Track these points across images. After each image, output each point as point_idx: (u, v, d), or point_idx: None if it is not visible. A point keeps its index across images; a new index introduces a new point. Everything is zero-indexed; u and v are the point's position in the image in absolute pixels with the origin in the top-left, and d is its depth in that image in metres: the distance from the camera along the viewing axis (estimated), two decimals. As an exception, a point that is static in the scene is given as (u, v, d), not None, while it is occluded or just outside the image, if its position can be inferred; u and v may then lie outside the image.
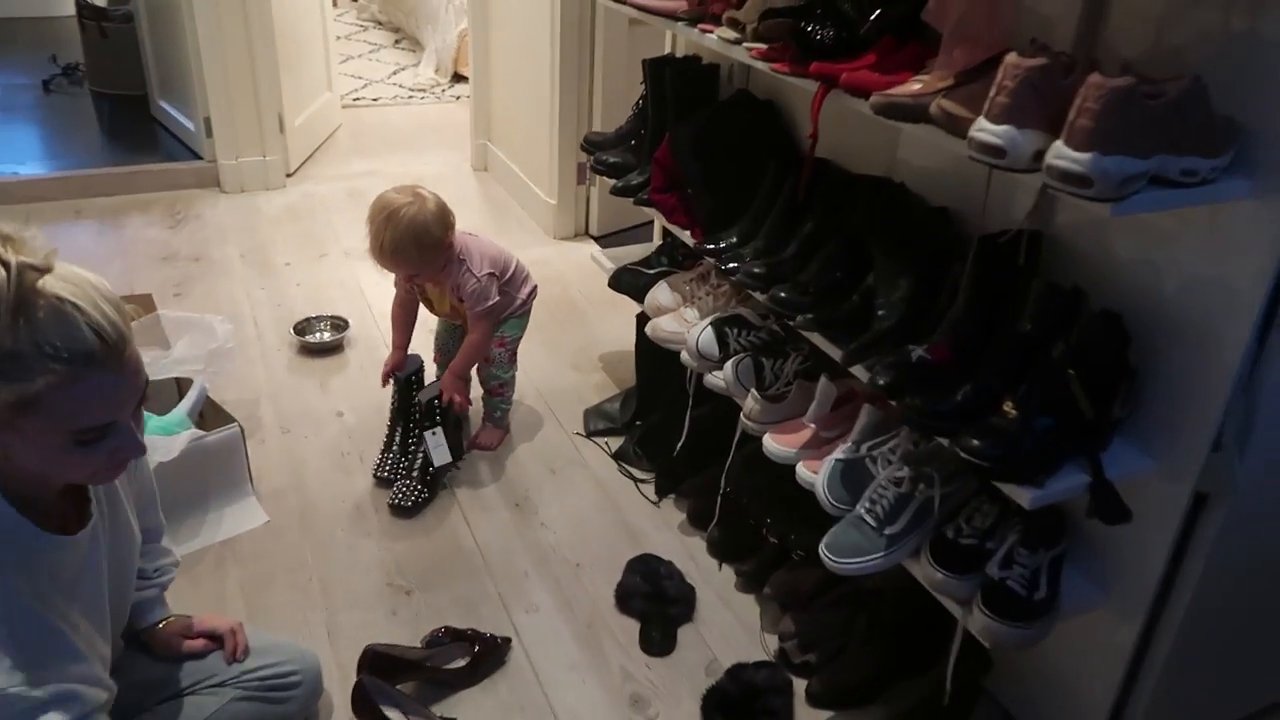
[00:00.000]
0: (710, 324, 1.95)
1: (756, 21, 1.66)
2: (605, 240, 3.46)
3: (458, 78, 5.16)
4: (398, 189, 2.11)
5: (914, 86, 1.32)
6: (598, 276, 3.12)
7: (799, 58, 1.55)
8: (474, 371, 2.37)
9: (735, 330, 1.94)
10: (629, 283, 2.26)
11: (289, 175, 3.89)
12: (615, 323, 2.90)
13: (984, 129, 1.14)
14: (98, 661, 1.18)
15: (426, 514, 2.14)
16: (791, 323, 1.65)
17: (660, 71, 2.18)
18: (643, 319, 2.24)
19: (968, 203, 1.58)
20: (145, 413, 2.12)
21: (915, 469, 1.50)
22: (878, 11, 1.50)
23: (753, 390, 1.81)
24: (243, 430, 2.09)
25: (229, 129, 3.65)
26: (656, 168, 2.13)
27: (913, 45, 1.46)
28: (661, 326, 2.08)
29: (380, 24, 6.34)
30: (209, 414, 2.17)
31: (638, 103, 2.39)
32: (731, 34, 1.76)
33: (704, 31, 1.84)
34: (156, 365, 2.22)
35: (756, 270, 1.74)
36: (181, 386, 2.19)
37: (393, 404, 2.28)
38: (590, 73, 3.26)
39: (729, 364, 1.86)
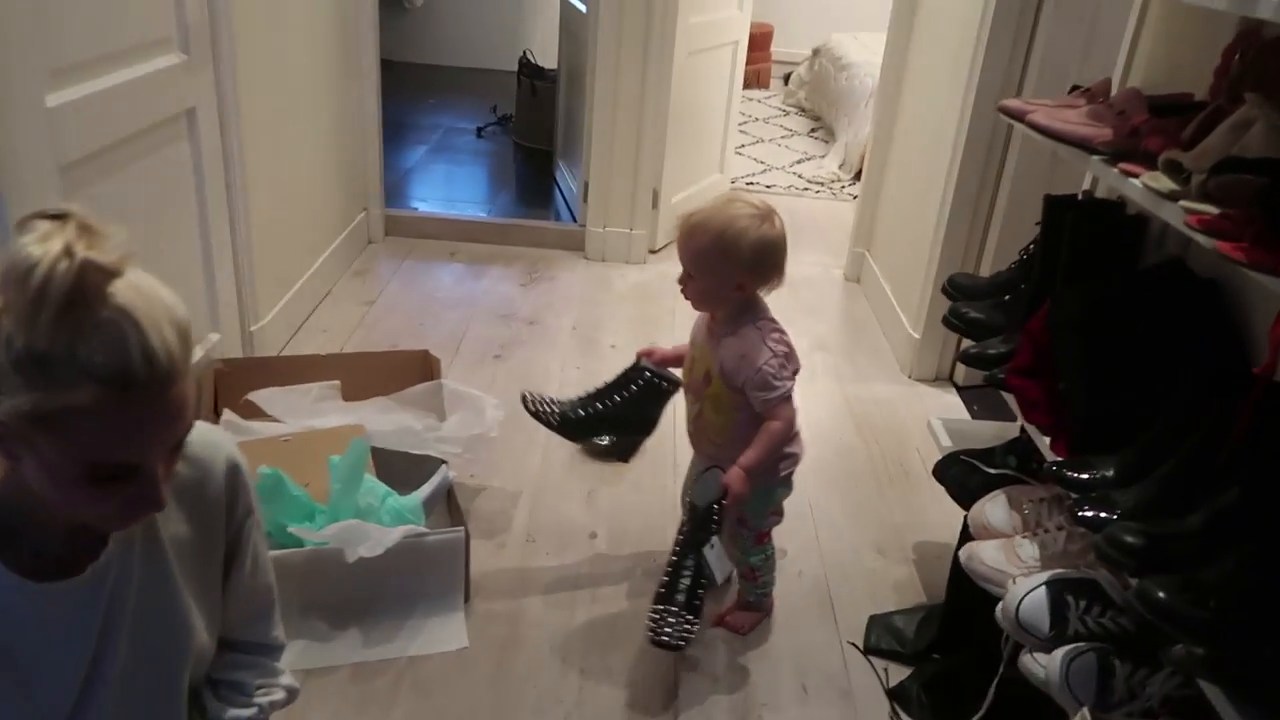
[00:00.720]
0: (1047, 582, 1.35)
1: (1207, 174, 1.09)
2: (970, 394, 2.86)
3: (861, 176, 4.78)
4: (754, 200, 1.69)
5: None
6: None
7: (1267, 240, 0.96)
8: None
9: (1082, 602, 1.33)
10: (957, 478, 1.71)
11: (653, 252, 3.75)
12: (950, 506, 2.32)
13: None
14: None
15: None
16: (1171, 651, 1.04)
17: (1059, 214, 1.62)
18: (965, 532, 1.67)
19: None
20: (384, 488, 2.00)
21: None
22: None
23: (1085, 712, 1.19)
24: (468, 537, 1.85)
25: (602, 196, 3.59)
26: (1026, 340, 1.58)
27: None
28: (981, 556, 1.51)
29: (804, 110, 6.18)
30: (439, 513, 1.97)
31: (1027, 248, 1.84)
32: (1167, 184, 1.19)
33: (1126, 174, 1.28)
34: (420, 438, 2.07)
35: (1129, 539, 1.14)
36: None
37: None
38: (990, 202, 2.71)
39: (1060, 654, 1.26)
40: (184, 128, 2.18)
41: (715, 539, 1.69)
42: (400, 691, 1.71)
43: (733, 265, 1.62)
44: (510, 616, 1.90)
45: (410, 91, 5.84)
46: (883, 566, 2.13)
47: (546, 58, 4.84)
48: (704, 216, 1.64)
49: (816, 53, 6.11)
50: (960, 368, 2.91)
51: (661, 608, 1.66)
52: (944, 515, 2.29)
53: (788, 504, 2.22)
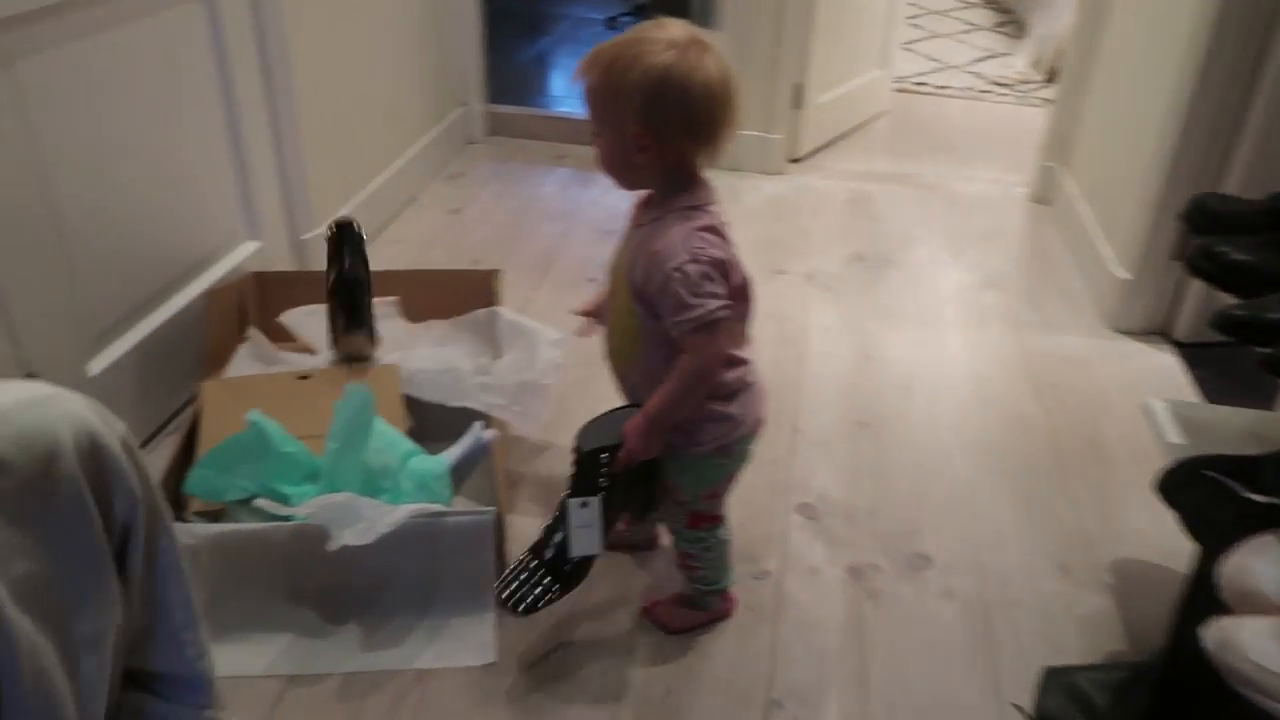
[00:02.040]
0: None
1: None
2: (1196, 355, 2.20)
3: (1057, 76, 3.99)
4: (687, 28, 1.18)
5: None
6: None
7: None
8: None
9: None
10: (1199, 507, 1.14)
11: (793, 161, 3.16)
12: (1167, 512, 1.72)
13: None
14: None
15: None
16: None
17: None
18: (1202, 585, 1.10)
19: None
20: (408, 445, 1.58)
21: None
22: None
23: None
24: (501, 521, 1.42)
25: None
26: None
27: None
28: (1243, 644, 0.95)
29: (990, 2, 5.31)
30: (480, 480, 1.54)
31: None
32: None
33: None
34: (460, 385, 1.64)
35: None
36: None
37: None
38: (1248, 97, 2.00)
39: None
40: (198, -16, 1.78)
41: (593, 500, 1.23)
42: (399, 716, 1.31)
43: (622, 109, 1.14)
44: (557, 626, 1.46)
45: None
46: (1066, 592, 1.57)
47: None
48: (603, 46, 1.17)
49: (1009, -67, 5.21)
50: (1185, 319, 2.23)
51: (524, 558, 1.29)
52: (1158, 523, 1.70)
53: (931, 490, 1.69)
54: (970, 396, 2.05)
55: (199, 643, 0.97)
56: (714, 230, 1.19)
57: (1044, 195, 2.97)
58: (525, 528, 1.63)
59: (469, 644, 1.40)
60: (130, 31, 1.63)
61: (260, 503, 1.31)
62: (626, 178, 1.23)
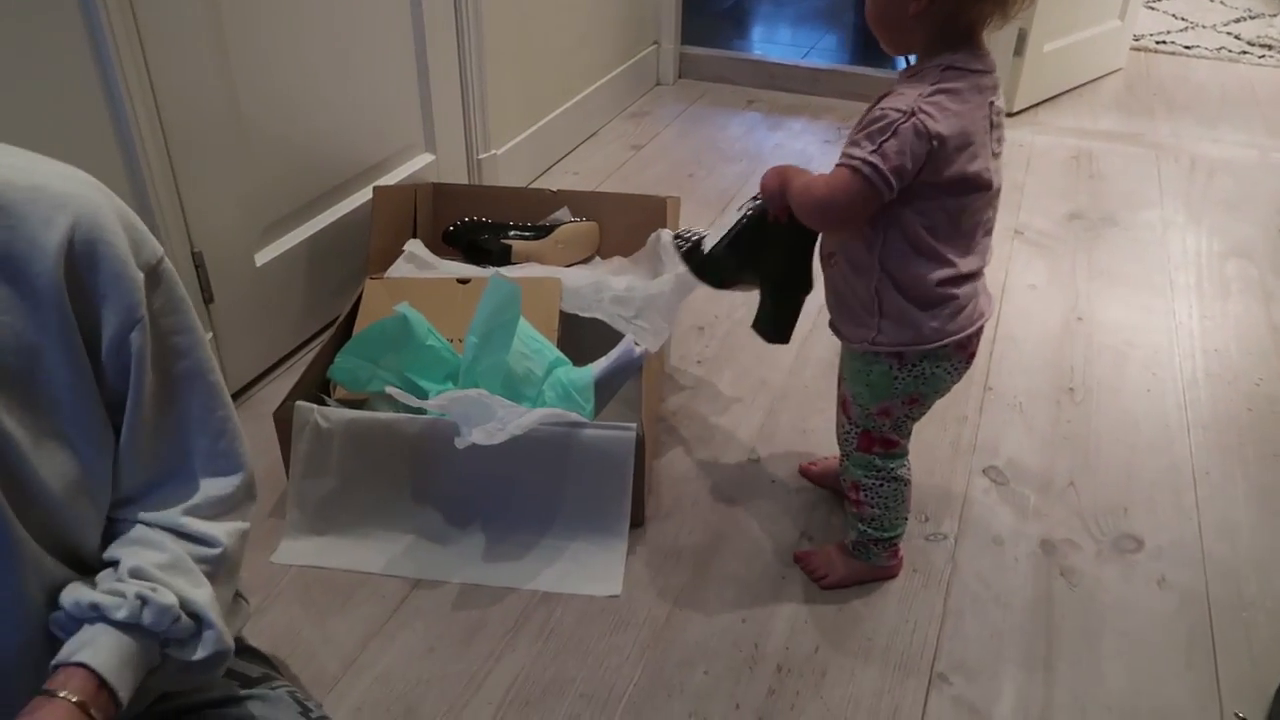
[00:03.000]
0: None
1: None
2: None
3: (1333, 39, 3.45)
4: None
5: None
6: None
7: None
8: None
9: None
10: None
11: (1011, 114, 2.86)
12: None
13: None
14: None
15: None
16: None
17: None
18: None
19: None
20: (556, 354, 1.44)
21: None
22: None
23: None
24: (641, 440, 1.29)
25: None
26: None
27: None
28: None
29: (1252, -36, 4.70)
30: (626, 405, 1.42)
31: None
32: None
33: None
34: (596, 298, 1.54)
35: None
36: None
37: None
38: None
39: None
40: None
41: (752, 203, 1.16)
42: (518, 636, 1.21)
43: None
44: (695, 562, 1.33)
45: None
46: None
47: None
48: None
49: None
50: None
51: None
52: None
53: (1146, 467, 1.46)
54: (1202, 370, 1.75)
55: (231, 497, 0.78)
56: (961, 99, 0.98)
57: (1310, 161, 2.55)
58: (672, 460, 1.50)
59: (595, 573, 1.29)
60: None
61: (392, 390, 1.24)
62: (895, 35, 1.03)
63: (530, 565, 1.29)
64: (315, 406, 1.32)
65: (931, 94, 0.97)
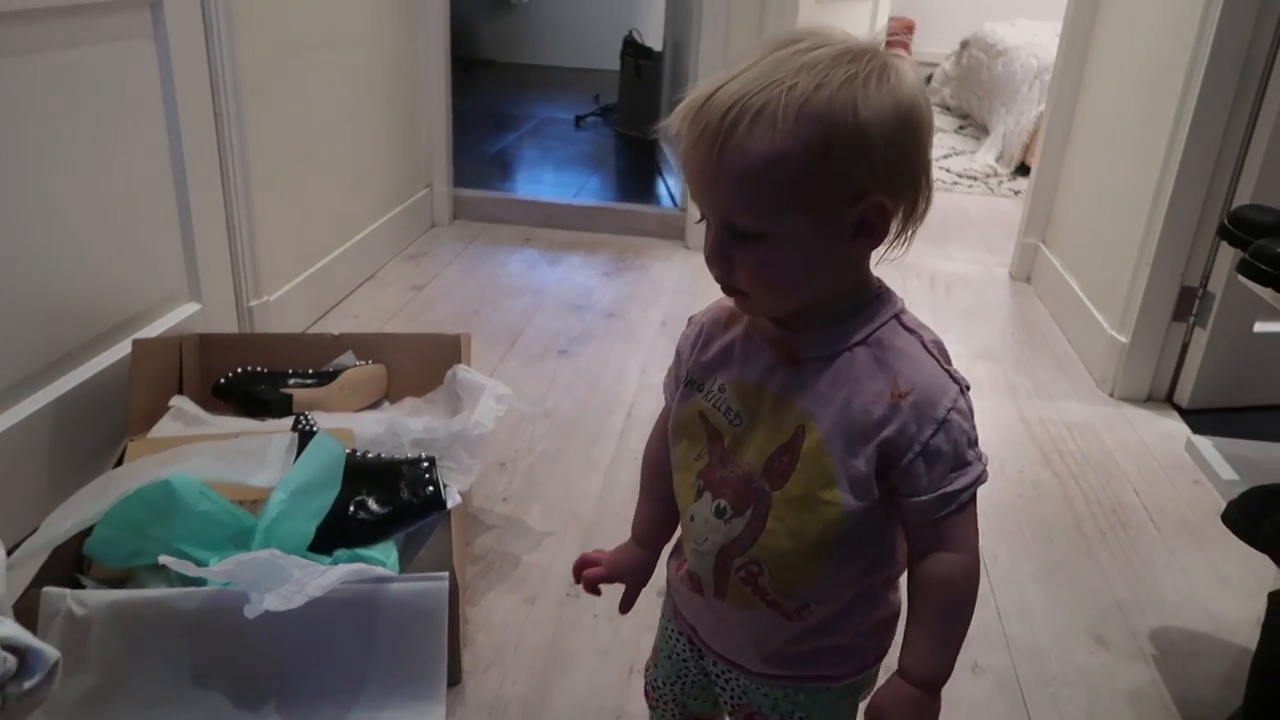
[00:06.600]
0: None
1: None
2: (1200, 419, 2.07)
3: (1022, 170, 4.02)
4: (820, 32, 0.68)
5: None
6: (1178, 476, 1.79)
7: None
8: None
9: None
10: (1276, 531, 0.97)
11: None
12: (1206, 576, 1.55)
13: None
14: None
15: None
16: None
17: None
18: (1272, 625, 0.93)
19: None
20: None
21: None
22: None
23: None
24: (455, 587, 1.21)
25: (708, 173, 2.95)
26: None
27: None
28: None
29: (949, 109, 5.42)
30: (453, 537, 1.34)
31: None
32: None
33: None
34: (397, 442, 1.47)
35: None
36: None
37: None
38: (1238, 160, 1.94)
39: None
40: (146, 20, 1.66)
41: None
42: (331, 829, 1.07)
43: (848, 172, 0.66)
44: (524, 714, 1.24)
45: (509, 88, 5.44)
46: (1106, 665, 1.37)
47: (653, 40, 4.29)
48: (753, 82, 0.65)
49: (965, 45, 5.39)
50: (1189, 383, 2.11)
51: None
52: (1192, 586, 1.53)
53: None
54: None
55: None
56: (938, 338, 0.76)
57: (1024, 273, 2.90)
58: (491, 604, 1.42)
59: (416, 738, 1.17)
60: (73, 56, 1.49)
61: (166, 559, 1.09)
62: (807, 289, 0.72)
63: (341, 743, 1.16)
64: (68, 591, 1.14)
65: (939, 354, 0.75)
